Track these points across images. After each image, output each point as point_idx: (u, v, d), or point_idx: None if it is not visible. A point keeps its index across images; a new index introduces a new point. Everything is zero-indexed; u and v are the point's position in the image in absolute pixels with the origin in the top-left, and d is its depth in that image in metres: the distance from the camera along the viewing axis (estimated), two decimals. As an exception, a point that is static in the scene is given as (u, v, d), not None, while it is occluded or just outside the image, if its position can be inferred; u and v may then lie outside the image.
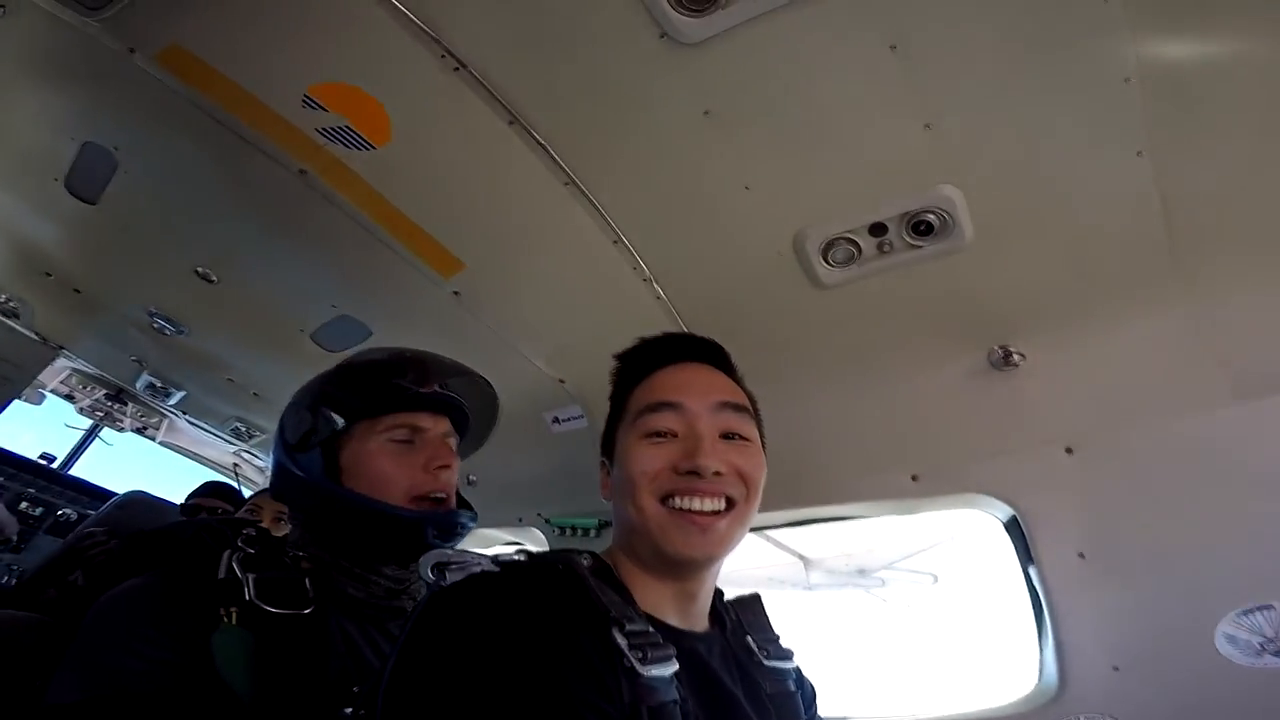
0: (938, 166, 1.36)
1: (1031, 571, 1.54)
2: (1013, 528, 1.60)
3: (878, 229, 1.46)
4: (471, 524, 1.14)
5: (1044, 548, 1.51)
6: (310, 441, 1.10)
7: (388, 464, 1.08)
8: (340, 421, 1.09)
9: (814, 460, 1.79)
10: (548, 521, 2.41)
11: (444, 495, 1.11)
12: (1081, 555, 1.46)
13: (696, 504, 0.82)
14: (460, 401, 1.19)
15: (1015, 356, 1.54)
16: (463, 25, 1.34)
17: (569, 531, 2.33)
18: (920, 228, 1.42)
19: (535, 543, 2.60)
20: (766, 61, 1.27)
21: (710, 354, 0.98)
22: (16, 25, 1.36)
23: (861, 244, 1.50)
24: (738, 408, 0.91)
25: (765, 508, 0.93)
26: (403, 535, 1.06)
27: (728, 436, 0.88)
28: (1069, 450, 1.51)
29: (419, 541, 1.06)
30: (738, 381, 0.98)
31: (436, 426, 1.15)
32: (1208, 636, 1.32)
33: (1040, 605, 1.51)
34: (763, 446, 0.94)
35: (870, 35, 1.20)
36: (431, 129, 1.53)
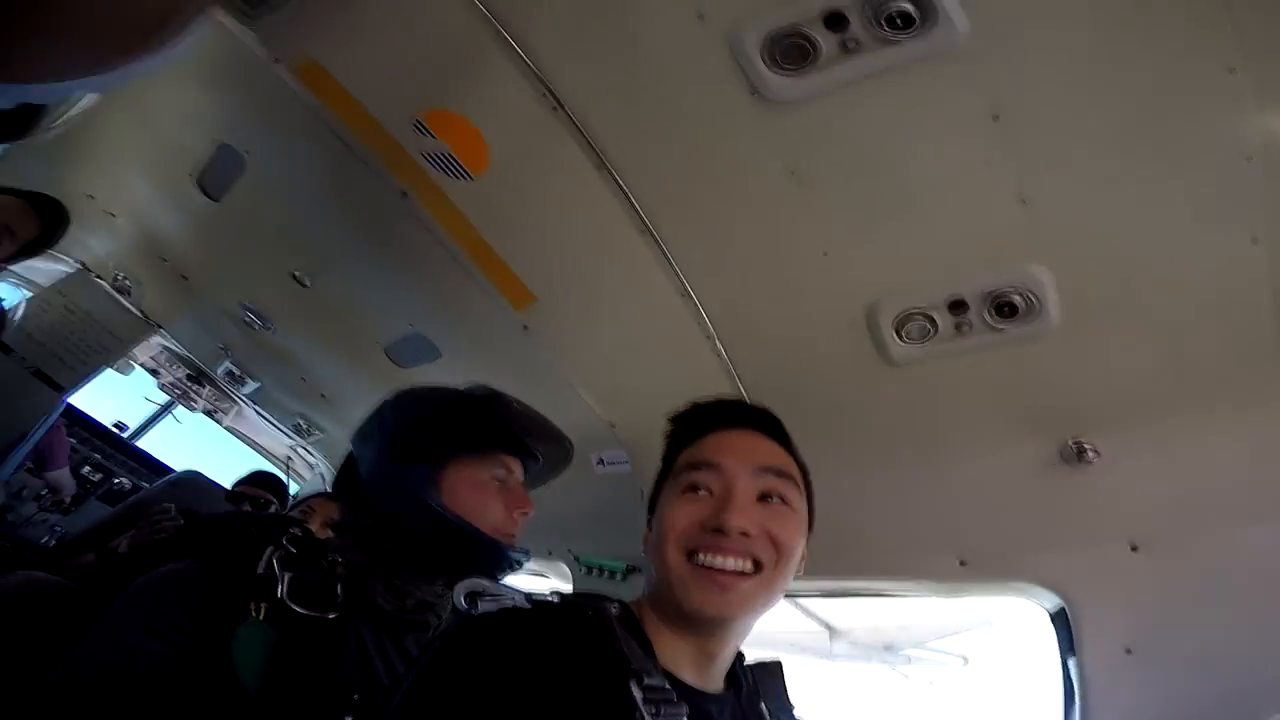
0: (1029, 244, 1.32)
1: (1071, 663, 1.44)
2: (1059, 618, 1.50)
3: (957, 306, 1.42)
4: (527, 560, 1.20)
5: (1090, 640, 1.41)
6: (428, 457, 1.15)
7: (487, 499, 1.15)
8: (463, 451, 1.16)
9: (860, 532, 1.70)
10: (576, 559, 2.39)
11: (514, 536, 1.18)
12: (1129, 650, 1.36)
13: (719, 561, 0.81)
14: (540, 457, 1.27)
15: (1089, 452, 1.44)
16: (566, 66, 1.41)
17: (596, 572, 2.30)
18: (1004, 309, 1.37)
19: (560, 576, 2.56)
20: (858, 125, 1.27)
21: (763, 422, 0.98)
22: None
23: (939, 320, 1.45)
24: (780, 473, 0.90)
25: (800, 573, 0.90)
26: (481, 560, 1.11)
27: (765, 499, 0.87)
28: (1134, 548, 1.41)
29: (490, 571, 1.12)
30: (791, 452, 0.98)
31: (519, 473, 1.23)
32: None
33: (1072, 698, 1.42)
34: (810, 521, 0.93)
35: (973, 103, 1.18)
36: (524, 165, 1.61)
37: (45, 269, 3.13)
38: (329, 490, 2.63)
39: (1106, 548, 1.43)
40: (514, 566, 1.15)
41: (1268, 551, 1.30)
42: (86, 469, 3.67)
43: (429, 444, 1.14)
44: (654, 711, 0.68)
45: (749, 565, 0.82)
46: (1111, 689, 1.37)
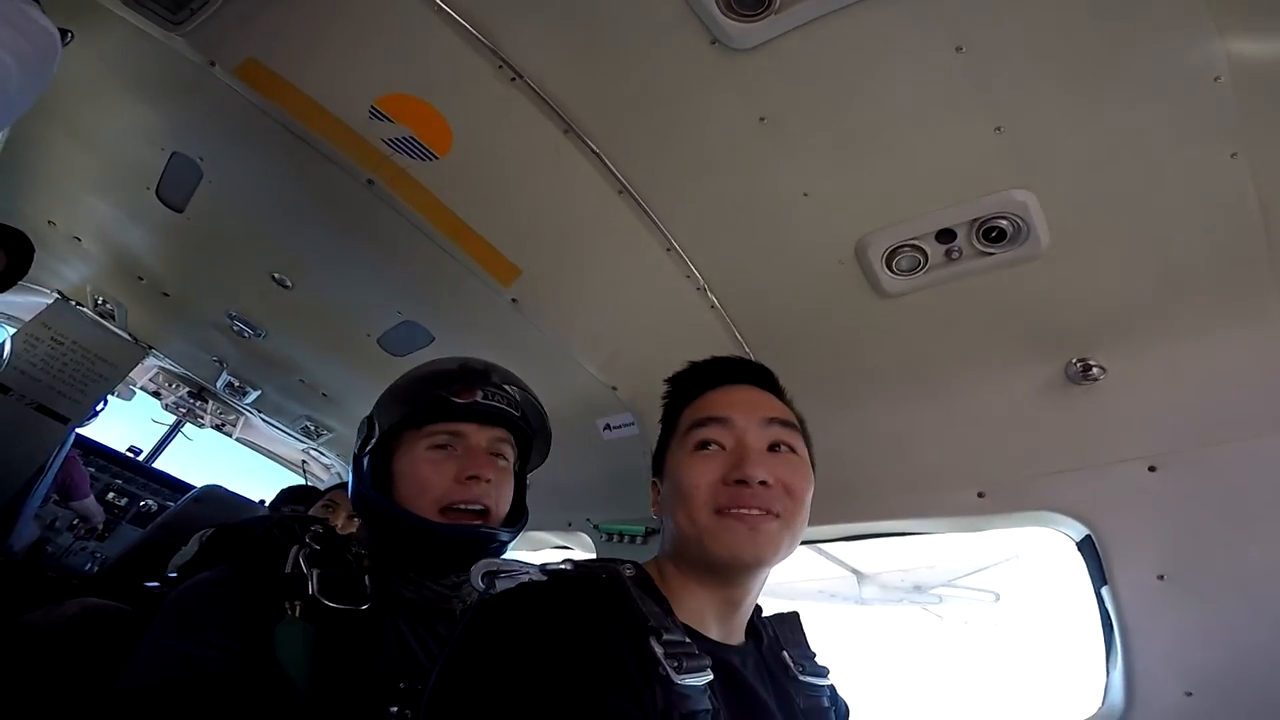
0: (1010, 170, 1.29)
1: (1104, 592, 1.44)
2: (1087, 547, 1.49)
3: (945, 235, 1.40)
4: (508, 538, 1.14)
5: (1120, 568, 1.41)
6: (365, 449, 1.15)
7: (424, 471, 1.10)
8: (379, 429, 1.13)
9: (873, 474, 1.72)
10: (596, 527, 2.42)
11: (479, 507, 1.10)
12: (1161, 577, 1.36)
13: (744, 513, 0.84)
14: (504, 410, 1.16)
15: (1095, 370, 1.43)
16: (519, 36, 1.36)
17: (616, 538, 2.33)
18: (991, 234, 1.35)
19: (583, 547, 2.61)
20: (823, 65, 1.24)
21: (758, 376, 1.01)
22: (104, 40, 1.45)
23: (928, 251, 1.43)
24: (785, 423, 0.93)
25: (819, 520, 0.92)
26: (429, 547, 1.07)
27: (774, 449, 0.90)
28: (1151, 468, 1.40)
29: (447, 555, 1.07)
30: (787, 403, 1.00)
31: (479, 436, 1.14)
32: None
33: (1111, 627, 1.42)
34: (812, 466, 0.95)
35: (934, 37, 1.15)
36: (490, 139, 1.57)
37: (23, 302, 3.09)
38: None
39: (1124, 470, 1.43)
40: (477, 544, 1.08)
41: None
42: (111, 495, 3.77)
43: (370, 434, 1.14)
44: (676, 665, 0.70)
45: (770, 514, 0.85)
46: (1148, 618, 1.36)
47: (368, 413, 1.20)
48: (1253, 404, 1.33)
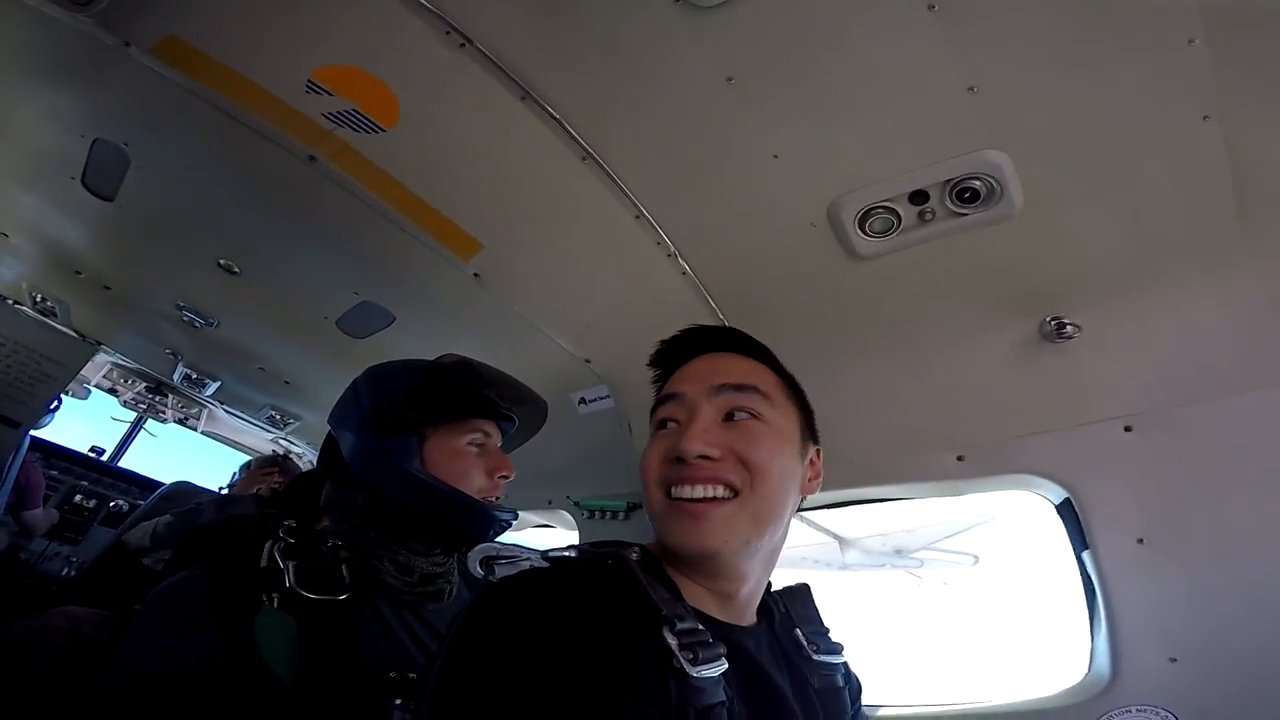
0: (983, 130, 1.26)
1: (1085, 556, 1.46)
2: (1066, 510, 1.52)
3: (919, 197, 1.36)
4: (514, 521, 1.25)
5: (1100, 532, 1.43)
6: (406, 430, 1.16)
7: (468, 464, 1.19)
8: (439, 419, 1.19)
9: (851, 440, 1.71)
10: (577, 504, 2.41)
11: (498, 499, 1.22)
12: (1140, 541, 1.38)
13: (688, 491, 0.80)
14: (516, 419, 1.32)
15: (1069, 328, 1.43)
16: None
17: (598, 514, 2.32)
18: (965, 195, 1.32)
19: (564, 525, 2.60)
20: (791, 24, 1.17)
21: (729, 341, 0.95)
22: (6, 25, 1.34)
23: (901, 213, 1.40)
24: (740, 387, 0.86)
25: (799, 488, 0.88)
26: (471, 525, 1.16)
27: (730, 418, 0.84)
28: (1128, 428, 1.42)
29: (481, 534, 1.16)
30: (766, 361, 0.94)
31: (496, 438, 1.26)
32: (1274, 628, 1.25)
33: (1093, 591, 1.44)
34: (811, 429, 0.91)
35: None
36: (440, 109, 1.47)
37: (-46, 305, 2.91)
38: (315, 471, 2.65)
39: (1101, 430, 1.44)
40: (503, 527, 1.20)
41: (1261, 423, 1.31)
42: (79, 498, 3.66)
43: (408, 417, 1.15)
44: (691, 657, 0.66)
45: (720, 490, 0.79)
46: (1130, 583, 1.39)
47: (338, 398, 1.24)
48: (1225, 362, 1.35)
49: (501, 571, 0.72)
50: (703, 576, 0.82)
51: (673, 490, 0.80)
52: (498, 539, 1.14)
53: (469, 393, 1.21)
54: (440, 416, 1.18)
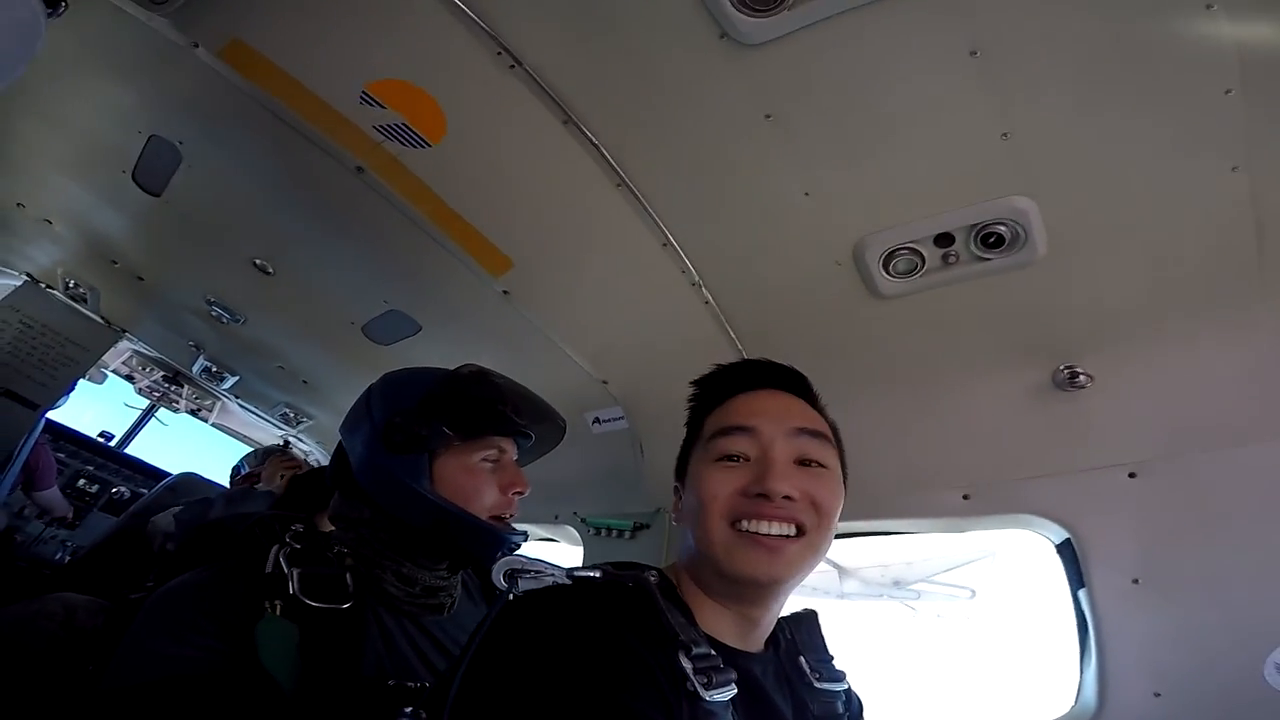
0: (1012, 177, 1.29)
1: (1081, 595, 1.48)
2: (1065, 550, 1.53)
3: (944, 239, 1.40)
4: (524, 543, 1.21)
5: (1098, 571, 1.44)
6: (419, 447, 1.13)
7: (479, 481, 1.16)
8: (453, 436, 1.14)
9: (860, 474, 1.68)
10: (583, 521, 2.41)
11: (511, 516, 1.19)
12: (1136, 581, 1.40)
13: (764, 527, 0.81)
14: (533, 435, 1.29)
15: (1082, 377, 1.46)
16: (519, 22, 1.32)
17: (604, 532, 2.33)
18: (990, 240, 1.35)
19: (569, 540, 2.60)
20: (833, 64, 1.21)
21: (791, 381, 0.96)
22: (83, 19, 1.37)
23: (925, 254, 1.43)
24: (815, 434, 0.88)
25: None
26: (480, 546, 1.13)
27: (804, 463, 0.86)
28: (1132, 475, 1.44)
29: (490, 556, 1.12)
30: (820, 410, 0.96)
31: (512, 453, 1.23)
32: (1257, 667, 1.26)
33: (1086, 628, 1.46)
34: (844, 476, 0.92)
35: (950, 39, 1.13)
36: (486, 127, 1.52)
37: (-11, 285, 2.98)
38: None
39: (1106, 476, 1.46)
40: (511, 549, 1.16)
41: (1262, 474, 1.32)
42: (82, 482, 3.66)
43: (420, 434, 1.12)
44: (705, 681, 0.68)
45: (792, 529, 0.82)
46: (1122, 620, 1.40)
47: (354, 401, 1.21)
48: (1232, 412, 1.37)
49: (525, 585, 0.75)
50: (742, 603, 0.85)
51: (744, 524, 0.81)
52: (522, 554, 1.12)
53: (485, 408, 1.18)
54: (453, 432, 1.15)
